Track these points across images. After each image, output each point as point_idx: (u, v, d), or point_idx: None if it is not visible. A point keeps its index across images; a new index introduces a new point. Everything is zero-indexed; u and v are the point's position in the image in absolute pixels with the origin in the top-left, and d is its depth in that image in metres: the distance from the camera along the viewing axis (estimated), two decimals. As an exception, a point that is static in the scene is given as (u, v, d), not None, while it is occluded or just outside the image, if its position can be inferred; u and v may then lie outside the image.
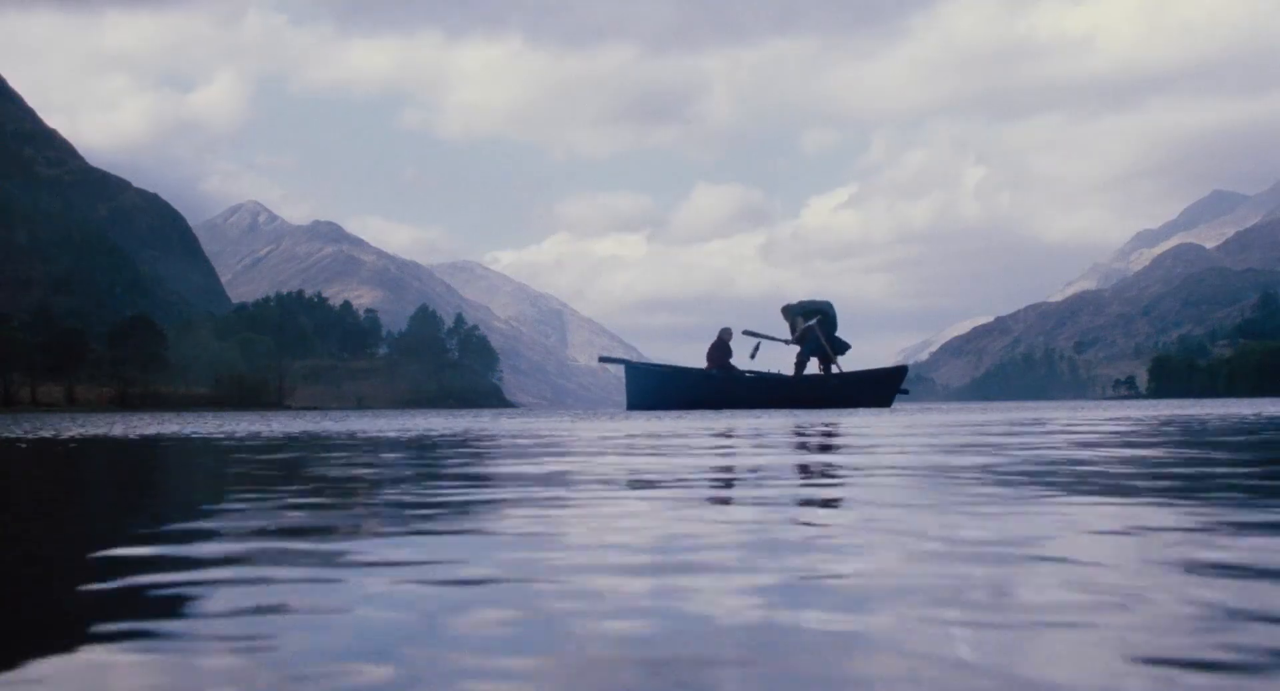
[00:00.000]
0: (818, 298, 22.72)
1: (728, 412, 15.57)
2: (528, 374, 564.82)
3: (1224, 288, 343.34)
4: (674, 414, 15.41)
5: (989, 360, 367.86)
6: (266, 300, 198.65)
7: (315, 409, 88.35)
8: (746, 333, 21.88)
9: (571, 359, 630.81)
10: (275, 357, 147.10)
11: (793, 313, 22.02)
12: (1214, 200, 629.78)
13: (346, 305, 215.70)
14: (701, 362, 21.98)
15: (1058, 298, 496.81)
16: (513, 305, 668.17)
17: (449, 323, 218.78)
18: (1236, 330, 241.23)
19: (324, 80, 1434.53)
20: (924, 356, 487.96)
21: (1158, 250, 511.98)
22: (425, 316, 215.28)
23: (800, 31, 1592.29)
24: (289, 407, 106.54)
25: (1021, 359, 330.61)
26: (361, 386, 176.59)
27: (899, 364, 23.54)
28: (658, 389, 20.81)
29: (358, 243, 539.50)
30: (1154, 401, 41.64)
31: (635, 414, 16.36)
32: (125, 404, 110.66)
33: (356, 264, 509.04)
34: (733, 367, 21.39)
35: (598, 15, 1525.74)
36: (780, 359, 25.24)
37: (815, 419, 10.50)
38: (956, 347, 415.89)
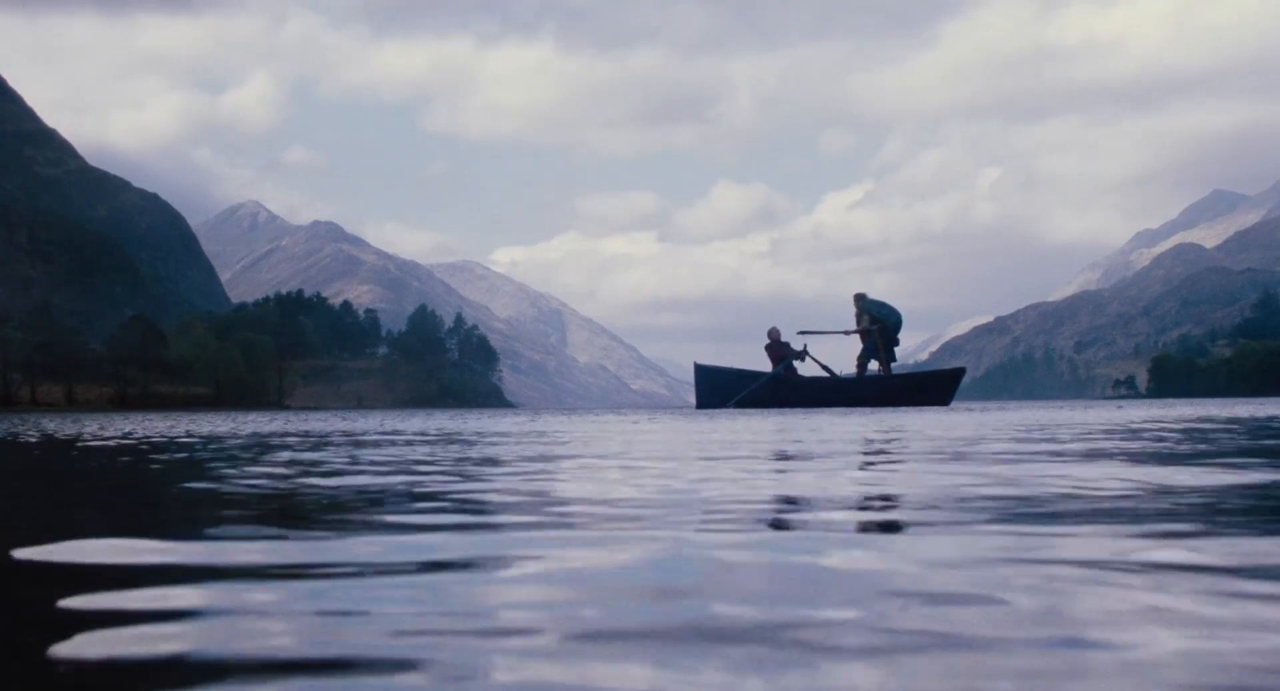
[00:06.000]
0: (888, 302, 22.90)
1: (801, 411, 16.01)
2: (527, 373, 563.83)
3: (1224, 287, 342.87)
4: (756, 412, 16.06)
5: (989, 360, 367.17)
6: (266, 300, 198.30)
7: (315, 409, 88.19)
8: (802, 333, 22.71)
9: (571, 358, 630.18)
10: (275, 358, 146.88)
11: (865, 306, 22.47)
12: (1214, 200, 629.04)
13: (346, 305, 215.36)
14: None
15: (1057, 297, 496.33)
16: (512, 305, 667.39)
17: (449, 322, 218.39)
18: (1236, 330, 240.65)
19: (354, 82, 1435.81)
20: (924, 356, 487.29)
21: (1158, 250, 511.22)
22: (425, 316, 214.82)
23: (832, 37, 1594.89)
24: (289, 407, 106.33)
25: (1021, 358, 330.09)
26: (361, 386, 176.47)
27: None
28: (727, 389, 21.76)
29: (358, 242, 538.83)
30: (1156, 401, 41.50)
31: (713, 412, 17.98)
32: (125, 404, 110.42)
33: (356, 264, 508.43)
34: (794, 368, 22.34)
35: (629, 21, 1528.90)
36: (831, 351, 26.46)
37: (922, 420, 10.04)
38: (956, 347, 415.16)
